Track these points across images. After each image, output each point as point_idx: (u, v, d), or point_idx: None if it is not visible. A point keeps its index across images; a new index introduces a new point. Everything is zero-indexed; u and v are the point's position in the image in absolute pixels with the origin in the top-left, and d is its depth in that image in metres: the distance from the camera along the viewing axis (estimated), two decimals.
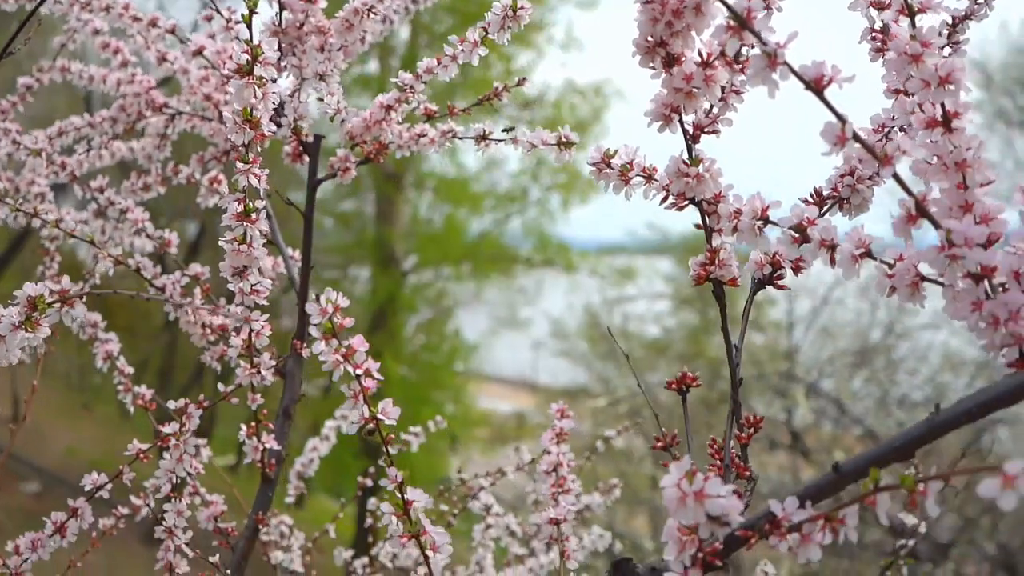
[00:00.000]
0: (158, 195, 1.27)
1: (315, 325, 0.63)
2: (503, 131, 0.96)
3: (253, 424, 0.98)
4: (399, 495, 0.67)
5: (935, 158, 0.56)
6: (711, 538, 0.56)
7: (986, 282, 0.54)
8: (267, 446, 0.99)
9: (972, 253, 0.52)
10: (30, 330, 0.69)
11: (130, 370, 1.13)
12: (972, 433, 6.47)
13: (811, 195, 0.72)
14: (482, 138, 0.97)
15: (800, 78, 0.52)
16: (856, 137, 0.52)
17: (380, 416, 0.65)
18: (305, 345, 1.00)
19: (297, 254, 1.14)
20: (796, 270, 0.70)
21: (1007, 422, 6.40)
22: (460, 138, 0.98)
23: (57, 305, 0.69)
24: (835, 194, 0.71)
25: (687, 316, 10.68)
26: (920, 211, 0.53)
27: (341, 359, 0.64)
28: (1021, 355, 0.52)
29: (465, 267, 11.69)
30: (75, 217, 1.24)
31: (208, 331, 1.06)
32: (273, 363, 0.94)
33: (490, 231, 11.71)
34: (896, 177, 0.53)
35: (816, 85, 0.52)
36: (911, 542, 1.11)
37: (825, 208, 0.71)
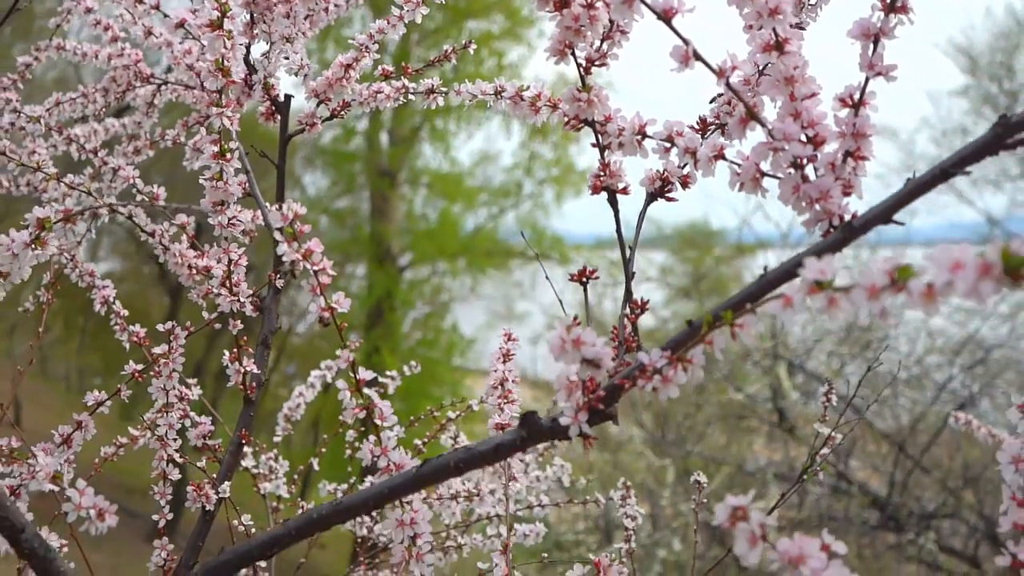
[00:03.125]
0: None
1: (277, 230, 0.76)
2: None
3: (235, 350, 1.11)
4: (352, 374, 0.81)
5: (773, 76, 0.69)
6: (596, 389, 0.69)
7: (810, 171, 0.67)
8: (248, 370, 1.12)
9: (791, 146, 0.65)
10: (38, 247, 0.82)
11: (125, 312, 1.26)
12: (954, 406, 6.61)
13: (697, 121, 0.85)
14: (430, 91, 1.10)
15: (652, 10, 0.66)
16: (696, 56, 0.65)
17: (335, 305, 0.78)
18: (280, 279, 1.13)
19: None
20: (684, 184, 0.83)
21: (987, 395, 6.54)
22: (412, 93, 1.12)
23: (61, 223, 0.82)
24: (716, 120, 0.84)
25: (681, 306, 10.83)
26: (750, 115, 0.67)
27: (301, 257, 0.77)
28: (831, 226, 0.66)
29: (460, 262, 11.81)
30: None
31: (194, 272, 1.19)
32: (251, 292, 1.07)
33: (484, 226, 11.85)
34: (730, 87, 0.66)
35: (666, 15, 0.66)
36: (825, 451, 1.24)
37: (709, 132, 0.84)
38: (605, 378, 0.68)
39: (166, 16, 1.24)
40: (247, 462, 1.45)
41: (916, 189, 0.60)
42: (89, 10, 1.35)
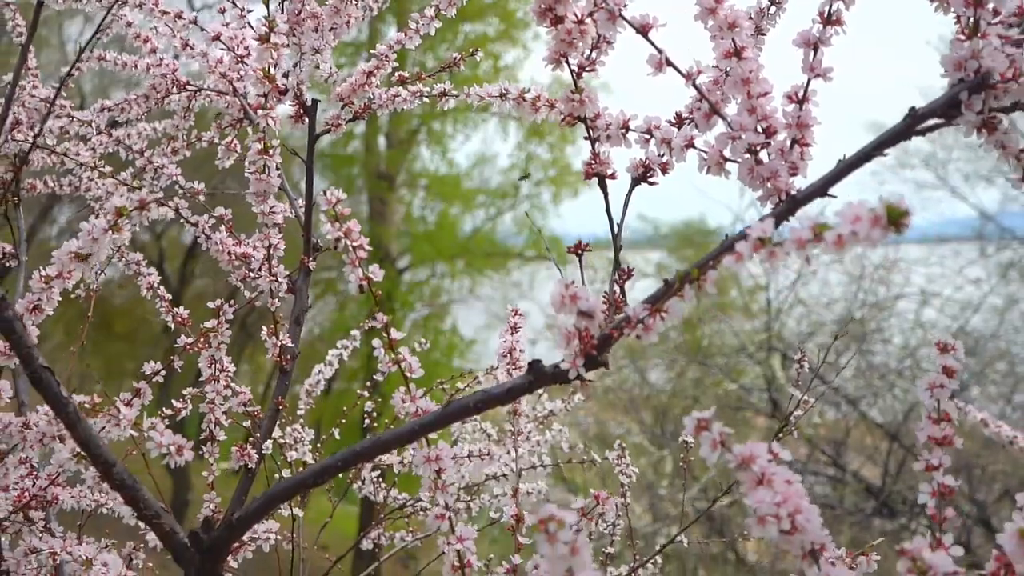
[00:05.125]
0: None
1: (323, 211, 0.91)
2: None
3: (272, 325, 1.26)
4: (386, 334, 0.95)
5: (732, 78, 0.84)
6: (591, 339, 0.83)
7: (764, 155, 0.82)
8: (283, 343, 1.27)
9: (747, 136, 0.80)
10: (116, 233, 0.97)
11: (169, 296, 1.41)
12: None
13: (674, 116, 0.99)
14: (442, 95, 1.25)
15: (632, 26, 0.80)
16: (669, 63, 0.80)
17: (371, 275, 0.93)
18: (311, 260, 1.28)
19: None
20: (663, 170, 0.98)
21: (977, 383, 6.70)
22: (427, 97, 1.26)
23: (136, 211, 0.96)
24: (690, 115, 0.98)
25: None
26: (713, 111, 0.81)
27: (343, 235, 0.91)
28: (780, 200, 0.80)
29: (459, 264, 11.96)
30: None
31: (232, 257, 1.33)
32: (287, 273, 1.21)
33: (482, 227, 12.00)
34: (696, 87, 0.81)
35: (643, 30, 0.80)
36: (799, 413, 1.39)
37: (685, 126, 0.99)
38: (598, 329, 0.83)
39: (203, 30, 1.39)
40: (275, 432, 1.59)
41: (845, 168, 0.75)
42: (130, 24, 1.50)
